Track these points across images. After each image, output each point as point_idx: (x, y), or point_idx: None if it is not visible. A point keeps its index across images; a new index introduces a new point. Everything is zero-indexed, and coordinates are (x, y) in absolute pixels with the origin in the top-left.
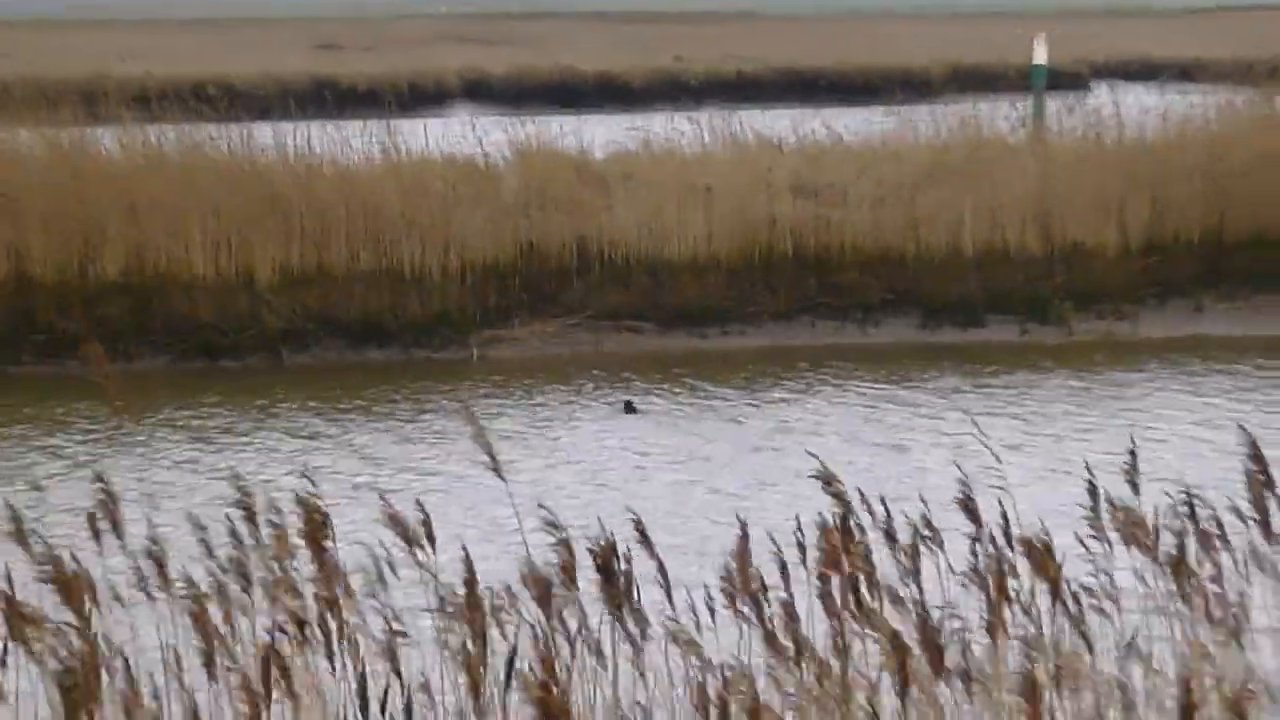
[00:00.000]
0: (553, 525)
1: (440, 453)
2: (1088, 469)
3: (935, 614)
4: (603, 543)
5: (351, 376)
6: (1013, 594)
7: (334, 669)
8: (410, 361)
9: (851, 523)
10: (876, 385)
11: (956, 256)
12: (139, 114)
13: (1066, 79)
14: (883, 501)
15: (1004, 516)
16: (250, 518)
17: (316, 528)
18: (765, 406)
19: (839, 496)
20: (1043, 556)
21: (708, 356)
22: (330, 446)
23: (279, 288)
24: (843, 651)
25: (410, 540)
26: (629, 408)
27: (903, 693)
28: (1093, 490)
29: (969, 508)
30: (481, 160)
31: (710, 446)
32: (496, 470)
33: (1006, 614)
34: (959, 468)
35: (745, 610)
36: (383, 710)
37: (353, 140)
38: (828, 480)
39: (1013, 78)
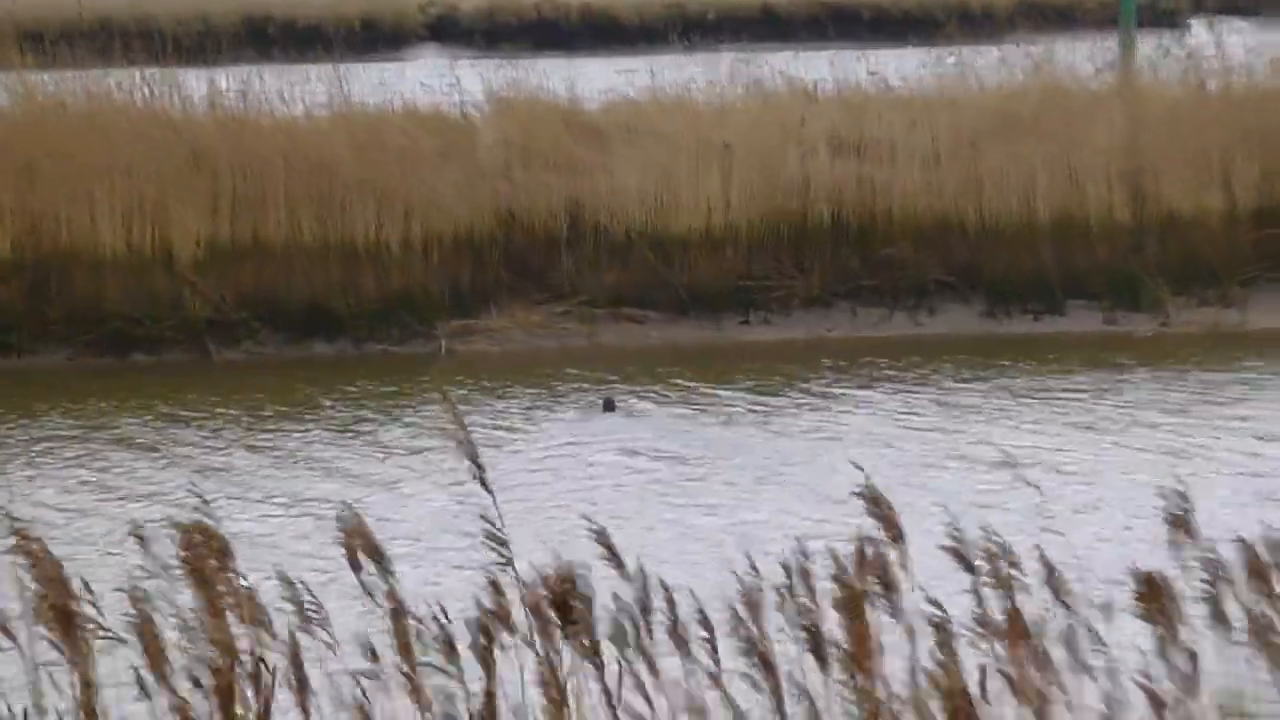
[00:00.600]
0: (500, 546)
1: (400, 471)
2: (1179, 507)
3: None
4: (566, 581)
5: (293, 376)
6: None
7: None
8: (364, 357)
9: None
10: (929, 388)
11: (1028, 228)
12: (35, 56)
13: (1161, 14)
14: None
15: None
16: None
17: (215, 558)
18: (791, 416)
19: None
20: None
21: (725, 351)
22: (268, 464)
23: (205, 266)
24: None
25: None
26: (608, 405)
27: None
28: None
29: (1054, 585)
30: (451, 111)
31: (722, 473)
32: (484, 484)
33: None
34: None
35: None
36: None
37: (295, 88)
38: (889, 526)
39: (1095, 12)
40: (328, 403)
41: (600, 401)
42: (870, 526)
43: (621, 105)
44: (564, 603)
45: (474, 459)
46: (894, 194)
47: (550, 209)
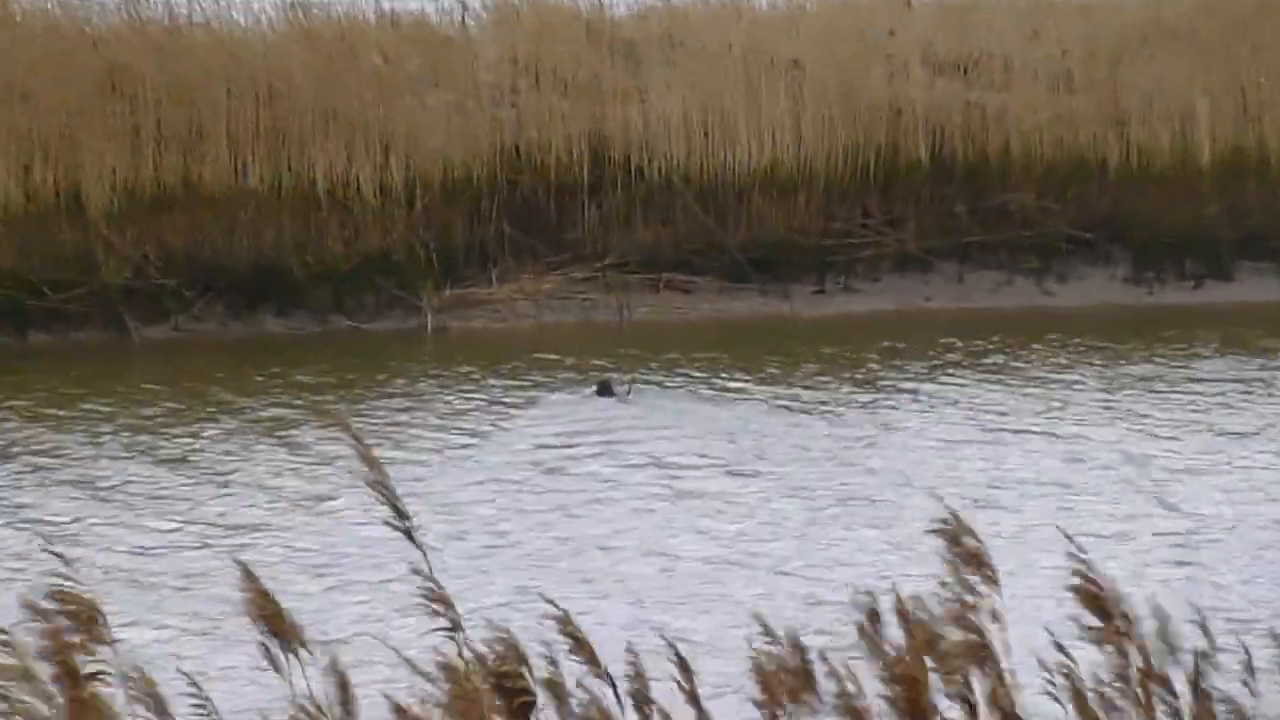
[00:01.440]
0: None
1: (345, 493)
2: None
3: None
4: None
5: (235, 360)
6: None
7: None
8: (328, 336)
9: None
10: (1058, 378)
11: (1185, 169)
12: None
13: None
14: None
15: None
16: None
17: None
18: (875, 413)
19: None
20: None
21: (793, 329)
22: (177, 480)
23: (123, 217)
24: None
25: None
26: (603, 390)
27: None
28: None
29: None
30: (441, 21)
31: (776, 494)
32: (408, 534)
33: None
34: None
35: None
36: None
37: None
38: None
39: None
40: (275, 396)
41: (595, 386)
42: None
43: (659, 12)
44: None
45: (393, 504)
46: (1010, 125)
47: (568, 146)
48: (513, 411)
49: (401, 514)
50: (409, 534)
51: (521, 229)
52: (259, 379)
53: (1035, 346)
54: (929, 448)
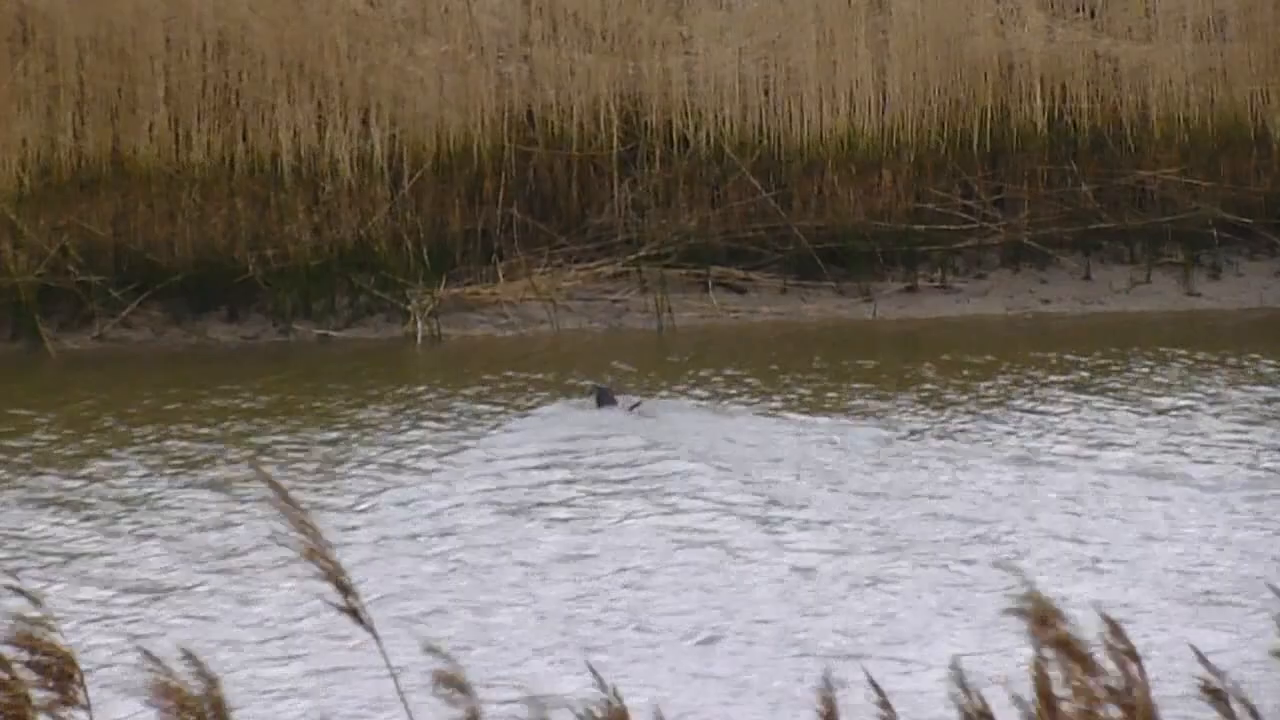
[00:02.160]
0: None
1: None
2: None
3: None
4: None
5: (172, 376)
6: None
7: None
8: (291, 347)
9: None
10: (1212, 400)
11: None
12: None
13: None
14: None
15: None
16: None
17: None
18: (975, 442)
19: None
20: None
21: (876, 334)
22: (80, 534)
23: (35, 200)
24: None
25: None
26: (603, 398)
27: None
28: None
29: None
30: None
31: (852, 548)
32: (355, 613)
33: None
34: None
35: None
36: None
37: None
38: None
39: None
40: (211, 427)
41: (593, 393)
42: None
43: None
44: None
45: (327, 564)
46: (1150, 83)
47: (593, 109)
48: (499, 438)
49: (344, 589)
50: (355, 614)
51: (535, 213)
52: (193, 400)
53: (1180, 361)
54: (1045, 498)
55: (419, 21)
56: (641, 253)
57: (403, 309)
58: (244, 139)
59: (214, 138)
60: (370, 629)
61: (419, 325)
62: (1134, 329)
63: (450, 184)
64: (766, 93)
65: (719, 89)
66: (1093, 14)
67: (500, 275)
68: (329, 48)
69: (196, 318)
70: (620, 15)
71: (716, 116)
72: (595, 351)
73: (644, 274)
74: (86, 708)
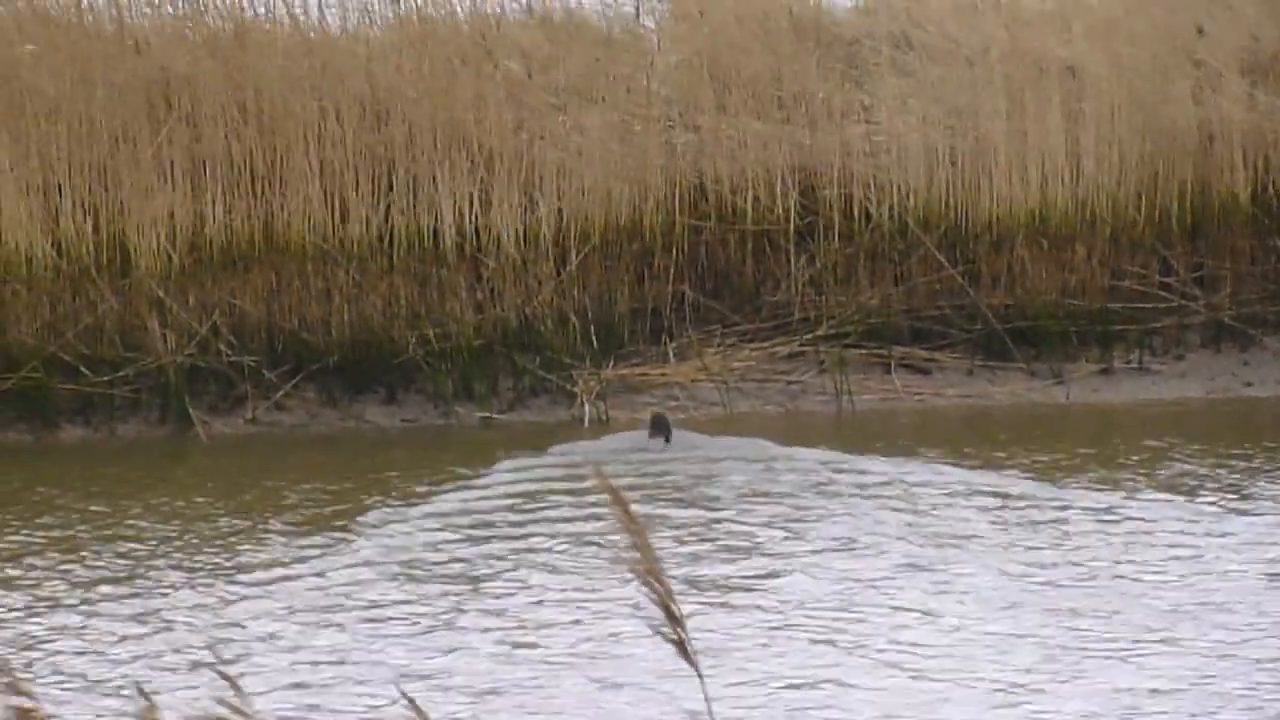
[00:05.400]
0: None
1: None
2: None
3: None
4: None
5: (323, 460)
6: None
7: None
8: (450, 431)
9: None
10: None
11: None
12: None
13: None
14: None
15: None
16: None
17: None
18: (1175, 538)
19: None
20: None
21: (1070, 420)
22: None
23: (183, 277)
24: None
25: None
26: (659, 426)
27: None
28: None
29: None
30: (601, 17)
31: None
32: (681, 645)
33: None
34: None
35: None
36: None
37: None
38: None
39: None
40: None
41: (650, 422)
42: None
43: (890, 4)
44: None
45: (660, 587)
46: None
47: (768, 181)
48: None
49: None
50: (681, 645)
51: (707, 290)
52: (346, 484)
53: None
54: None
55: (585, 90)
56: (819, 332)
57: (568, 391)
58: (402, 213)
59: (371, 212)
60: (694, 665)
61: (585, 407)
62: None
63: (618, 260)
64: (953, 163)
65: (902, 159)
66: None
67: (670, 355)
68: (490, 118)
69: (353, 400)
70: (796, 83)
71: (899, 188)
72: (769, 434)
73: (822, 354)
74: None
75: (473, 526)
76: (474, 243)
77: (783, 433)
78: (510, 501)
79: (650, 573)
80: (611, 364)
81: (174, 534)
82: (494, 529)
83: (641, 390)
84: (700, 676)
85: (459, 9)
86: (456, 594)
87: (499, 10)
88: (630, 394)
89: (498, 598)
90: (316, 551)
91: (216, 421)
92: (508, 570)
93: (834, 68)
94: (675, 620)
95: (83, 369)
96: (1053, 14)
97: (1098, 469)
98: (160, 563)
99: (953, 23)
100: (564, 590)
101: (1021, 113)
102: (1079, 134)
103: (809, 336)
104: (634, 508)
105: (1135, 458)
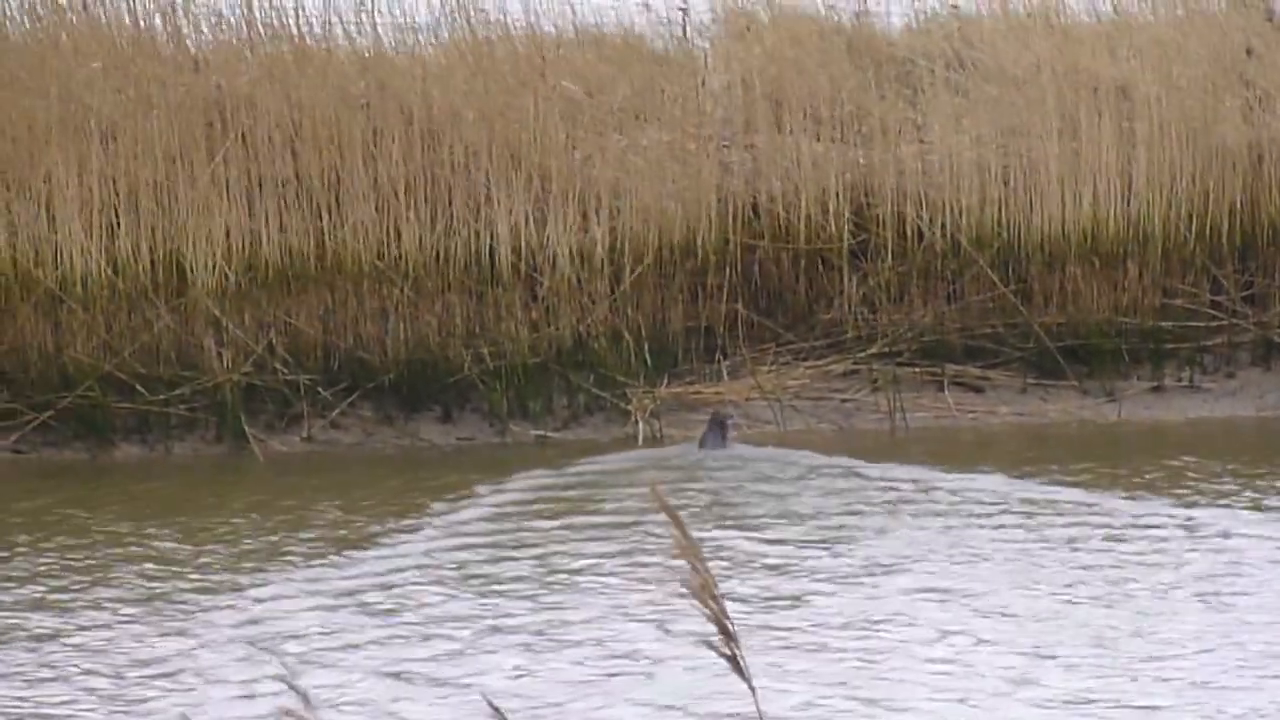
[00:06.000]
0: None
1: None
2: None
3: None
4: None
5: (379, 479)
6: None
7: None
8: (506, 449)
9: None
10: None
11: None
12: None
13: None
14: None
15: None
16: None
17: None
18: (1218, 557)
19: None
20: None
21: (1120, 437)
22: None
23: (239, 296)
24: None
25: None
26: (715, 422)
27: None
28: None
29: None
30: (655, 36)
31: None
32: (735, 661)
33: None
34: None
35: None
36: None
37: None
38: None
39: None
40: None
41: (711, 421)
42: None
43: (944, 24)
44: None
45: (714, 606)
46: None
47: (821, 200)
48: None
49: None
50: (735, 662)
51: (760, 309)
52: (397, 504)
53: None
54: None
55: (639, 109)
56: (873, 350)
57: (623, 409)
58: (456, 231)
59: (426, 231)
60: (747, 680)
61: (640, 425)
62: None
63: (672, 279)
64: (1006, 183)
65: (955, 179)
66: None
67: (724, 373)
68: (546, 138)
69: (409, 418)
70: (850, 102)
71: (952, 207)
72: (823, 453)
73: (875, 372)
74: None
75: (514, 544)
76: (529, 261)
77: (836, 450)
78: (560, 512)
79: (705, 589)
80: (665, 382)
81: (229, 551)
82: (541, 542)
83: (695, 408)
84: (753, 690)
85: (513, 29)
86: (509, 608)
87: (553, 30)
88: (684, 412)
89: (555, 610)
90: (376, 566)
91: (272, 440)
92: (559, 582)
93: (888, 87)
94: (729, 637)
95: (139, 387)
96: (1104, 34)
97: (1156, 484)
98: (216, 579)
99: (1005, 43)
100: (611, 606)
101: (1073, 132)
102: (1130, 153)
103: (862, 354)
104: (686, 526)
105: (1193, 475)
